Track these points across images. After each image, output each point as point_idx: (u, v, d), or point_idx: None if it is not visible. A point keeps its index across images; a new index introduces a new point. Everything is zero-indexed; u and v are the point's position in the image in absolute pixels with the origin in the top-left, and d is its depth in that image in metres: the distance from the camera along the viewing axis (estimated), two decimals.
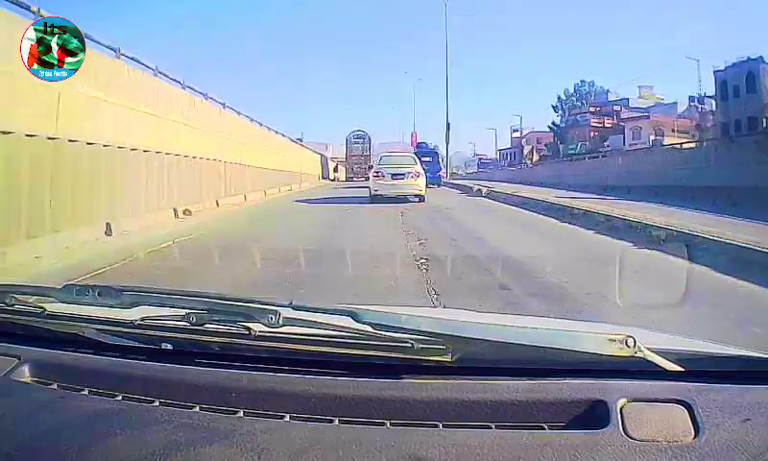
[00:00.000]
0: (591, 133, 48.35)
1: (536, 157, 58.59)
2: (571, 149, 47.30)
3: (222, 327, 1.07)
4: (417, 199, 14.60)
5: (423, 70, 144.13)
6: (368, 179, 16.93)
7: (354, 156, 36.95)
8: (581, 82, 57.31)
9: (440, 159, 28.33)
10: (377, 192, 14.86)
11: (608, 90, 53.56)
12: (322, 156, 39.07)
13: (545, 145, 58.81)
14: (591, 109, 50.91)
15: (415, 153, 20.92)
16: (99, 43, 8.72)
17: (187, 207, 11.17)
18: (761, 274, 4.99)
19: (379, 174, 15.22)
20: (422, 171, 15.53)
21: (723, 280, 4.96)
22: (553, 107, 56.77)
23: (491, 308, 3.87)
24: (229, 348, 1.08)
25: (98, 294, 1.12)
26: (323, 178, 35.21)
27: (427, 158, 22.13)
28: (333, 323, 1.02)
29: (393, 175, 14.98)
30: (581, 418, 0.89)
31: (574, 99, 56.10)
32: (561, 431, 0.87)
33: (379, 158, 17.20)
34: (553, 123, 56.18)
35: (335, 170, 40.27)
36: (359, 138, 38.13)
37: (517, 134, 68.08)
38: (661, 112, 46.14)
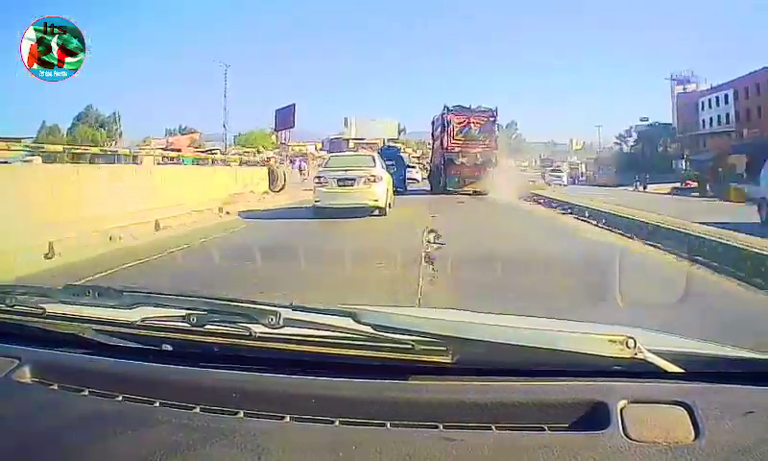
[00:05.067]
0: None
1: None
2: None
3: (222, 328, 1.07)
4: (376, 212, 11.16)
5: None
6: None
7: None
8: None
9: (404, 163, 23.01)
10: (319, 204, 11.26)
11: None
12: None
13: None
14: None
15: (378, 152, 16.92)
16: None
17: None
18: None
19: (322, 180, 11.52)
20: (383, 175, 11.87)
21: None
22: None
23: None
24: (230, 349, 1.07)
25: (98, 295, 1.12)
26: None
27: (390, 162, 17.65)
28: (333, 324, 1.02)
29: (339, 180, 11.19)
30: (581, 419, 0.89)
31: None
32: (561, 433, 0.87)
33: (326, 160, 13.82)
34: None
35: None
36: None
37: (691, 88, 40.98)
38: None
